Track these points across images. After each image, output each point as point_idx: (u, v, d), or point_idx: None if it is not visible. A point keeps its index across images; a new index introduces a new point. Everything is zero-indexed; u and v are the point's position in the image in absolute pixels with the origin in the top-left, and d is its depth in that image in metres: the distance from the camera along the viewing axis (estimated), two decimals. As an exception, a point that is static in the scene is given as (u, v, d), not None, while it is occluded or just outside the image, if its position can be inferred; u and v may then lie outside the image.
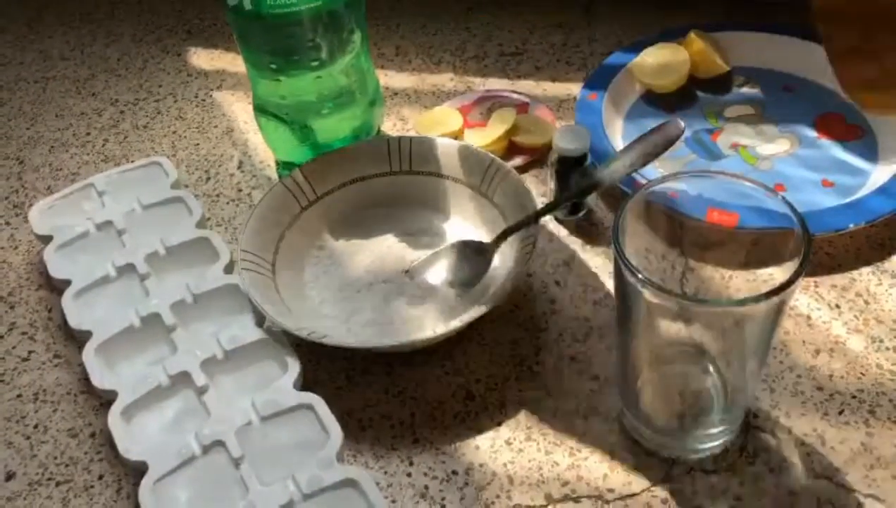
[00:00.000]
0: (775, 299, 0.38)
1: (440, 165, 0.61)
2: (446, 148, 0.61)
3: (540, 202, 0.56)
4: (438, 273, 0.56)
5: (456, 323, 0.49)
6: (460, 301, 0.55)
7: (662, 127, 0.53)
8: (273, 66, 0.57)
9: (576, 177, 0.59)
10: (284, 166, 0.65)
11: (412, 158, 0.61)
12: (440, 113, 0.69)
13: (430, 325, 0.53)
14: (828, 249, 0.58)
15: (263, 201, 0.58)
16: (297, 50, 0.56)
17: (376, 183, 0.61)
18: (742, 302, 0.39)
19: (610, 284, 0.57)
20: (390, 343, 0.51)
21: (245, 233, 0.56)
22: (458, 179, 0.60)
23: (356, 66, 0.60)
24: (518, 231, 0.54)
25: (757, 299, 0.38)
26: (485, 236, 0.57)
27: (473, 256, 0.56)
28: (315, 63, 0.57)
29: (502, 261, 0.56)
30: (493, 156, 0.59)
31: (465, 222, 0.60)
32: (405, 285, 0.56)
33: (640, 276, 0.39)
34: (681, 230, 0.47)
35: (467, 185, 0.60)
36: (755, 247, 0.46)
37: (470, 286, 0.55)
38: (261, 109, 0.62)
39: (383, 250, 0.59)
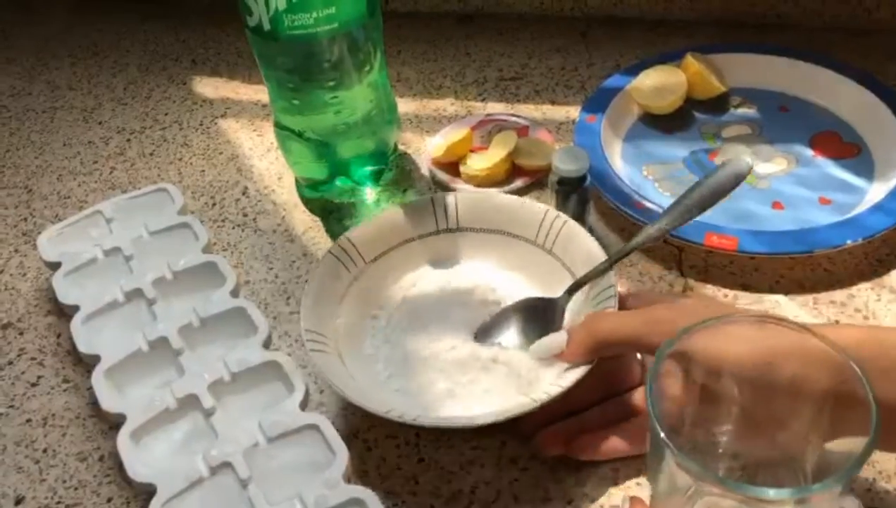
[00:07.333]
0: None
1: (489, 220, 0.58)
2: (494, 202, 0.58)
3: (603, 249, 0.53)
4: (509, 335, 0.52)
5: (556, 389, 0.46)
6: (536, 363, 0.50)
7: (726, 166, 0.52)
8: (291, 84, 0.58)
9: (582, 205, 0.59)
10: (305, 185, 0.66)
11: (458, 214, 0.58)
12: (461, 136, 0.68)
13: (512, 395, 0.49)
14: (826, 265, 0.58)
15: (316, 273, 0.54)
16: (315, 69, 0.57)
17: (425, 243, 0.58)
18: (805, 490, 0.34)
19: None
20: (485, 422, 0.45)
21: (303, 310, 0.51)
22: (510, 232, 0.57)
23: (374, 84, 0.60)
24: (588, 282, 0.52)
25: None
26: (546, 291, 0.54)
27: (542, 312, 0.53)
28: (332, 82, 0.57)
29: (574, 315, 0.52)
30: (546, 207, 0.57)
31: (522, 277, 0.57)
32: (475, 350, 0.52)
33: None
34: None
35: (521, 238, 0.57)
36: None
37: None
38: (281, 126, 0.62)
39: (441, 313, 0.55)
